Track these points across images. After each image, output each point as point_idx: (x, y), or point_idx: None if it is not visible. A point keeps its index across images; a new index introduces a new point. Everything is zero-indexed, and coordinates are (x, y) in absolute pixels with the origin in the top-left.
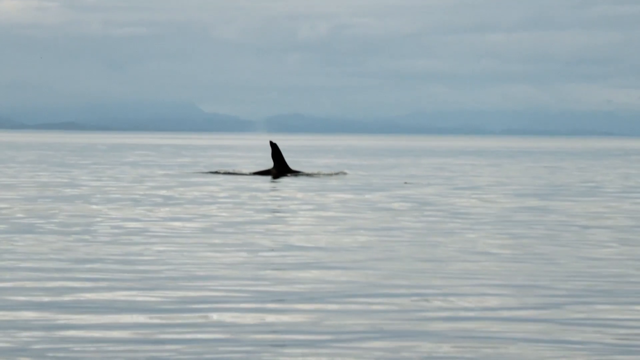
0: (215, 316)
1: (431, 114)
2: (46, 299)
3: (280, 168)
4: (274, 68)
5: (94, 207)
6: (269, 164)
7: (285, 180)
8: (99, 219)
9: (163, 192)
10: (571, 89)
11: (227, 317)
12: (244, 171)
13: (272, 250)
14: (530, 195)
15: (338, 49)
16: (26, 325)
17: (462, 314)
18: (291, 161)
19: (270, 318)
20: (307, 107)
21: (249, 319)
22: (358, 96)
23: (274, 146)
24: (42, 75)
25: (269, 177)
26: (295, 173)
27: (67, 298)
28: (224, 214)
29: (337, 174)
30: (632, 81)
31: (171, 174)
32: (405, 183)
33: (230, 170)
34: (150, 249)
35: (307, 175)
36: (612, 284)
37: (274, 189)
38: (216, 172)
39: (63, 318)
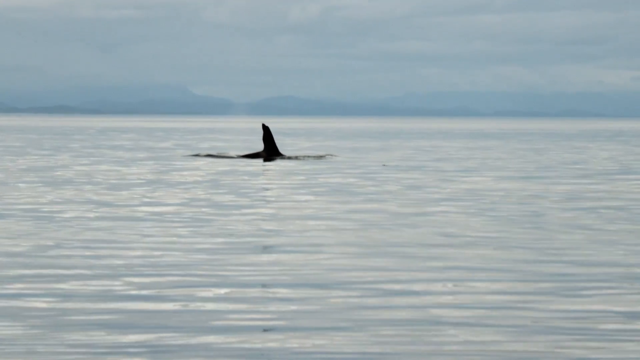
0: (183, 302)
1: (423, 96)
2: (20, 285)
3: (269, 151)
4: (265, 50)
5: (74, 191)
6: (256, 146)
7: (270, 164)
8: (76, 203)
9: (148, 176)
10: (563, 70)
11: (193, 302)
12: (232, 154)
13: (232, 234)
14: (504, 178)
15: (329, 31)
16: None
17: (421, 300)
18: (281, 144)
19: (236, 304)
20: (299, 89)
21: (213, 304)
22: (350, 78)
23: (266, 129)
24: (34, 59)
25: (258, 160)
26: (284, 156)
27: (41, 285)
28: (201, 197)
29: (324, 156)
30: (623, 62)
31: (159, 156)
32: (384, 165)
33: (215, 153)
34: (120, 232)
35: (295, 158)
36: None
37: (254, 173)
38: (207, 155)
39: (39, 302)
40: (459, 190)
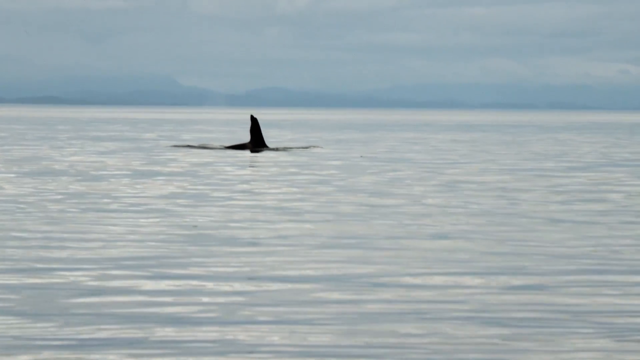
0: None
1: (411, 88)
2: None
3: (255, 142)
4: (253, 41)
5: (48, 181)
6: (241, 137)
7: (250, 155)
8: (46, 193)
9: (127, 167)
10: (550, 63)
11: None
12: (216, 145)
13: (195, 226)
14: (469, 173)
15: (317, 22)
16: None
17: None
18: (267, 136)
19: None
20: (287, 80)
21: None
22: (338, 70)
23: (254, 120)
24: (21, 49)
25: (244, 152)
26: (270, 148)
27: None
28: (174, 188)
29: (308, 148)
30: (610, 55)
31: (140, 147)
32: (362, 157)
33: (197, 144)
34: (82, 224)
35: (283, 149)
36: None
37: (233, 163)
38: (189, 146)
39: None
40: (433, 182)
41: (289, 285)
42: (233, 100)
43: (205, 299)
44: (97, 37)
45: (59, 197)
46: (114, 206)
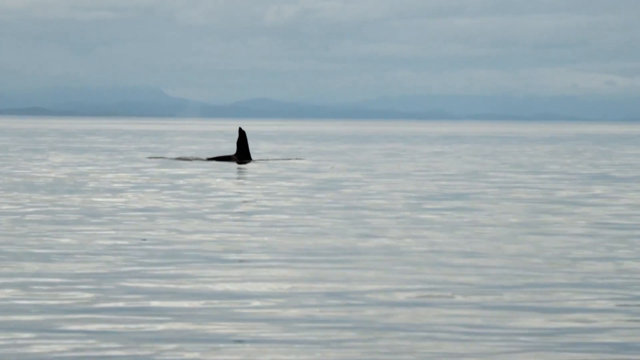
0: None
1: (398, 99)
2: None
3: (241, 155)
4: (240, 52)
5: (18, 194)
6: (222, 149)
7: (232, 166)
8: (16, 207)
9: (102, 178)
10: (537, 74)
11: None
12: (202, 157)
13: (144, 240)
14: (438, 184)
15: (304, 33)
16: None
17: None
18: (251, 147)
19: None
20: (274, 91)
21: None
22: (325, 81)
23: (241, 133)
24: (7, 60)
25: (230, 163)
26: (254, 160)
27: None
28: (138, 200)
29: (291, 160)
30: (597, 66)
31: (123, 158)
32: (332, 168)
33: (178, 156)
34: (38, 237)
35: (262, 161)
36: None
37: (209, 175)
38: (176, 159)
39: None
40: (389, 192)
41: (241, 302)
42: (220, 112)
43: (150, 317)
44: (84, 48)
45: (26, 209)
46: (74, 217)
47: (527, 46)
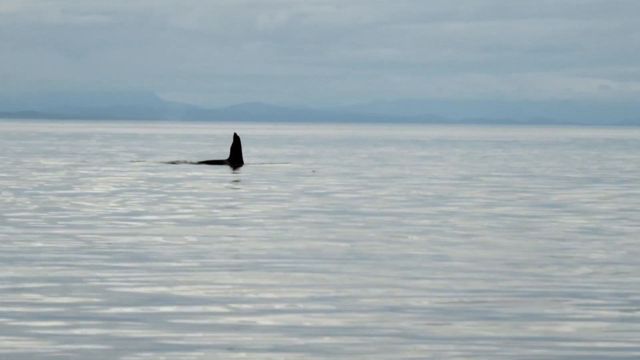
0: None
1: (391, 103)
2: None
3: (234, 159)
4: (234, 57)
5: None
6: (213, 153)
7: (221, 170)
8: None
9: (80, 182)
10: (530, 78)
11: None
12: (193, 160)
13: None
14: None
15: (298, 38)
16: None
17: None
18: (244, 151)
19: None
20: (267, 95)
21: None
22: (318, 85)
23: (236, 139)
24: (0, 64)
25: (224, 167)
26: (246, 164)
27: None
28: (112, 205)
29: (281, 164)
30: (590, 70)
31: (110, 162)
32: (313, 172)
33: (165, 160)
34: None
35: (252, 165)
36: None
37: (186, 179)
38: (170, 162)
39: None
40: (365, 196)
41: (191, 308)
42: (214, 116)
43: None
44: (77, 52)
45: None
46: (41, 222)
47: (520, 51)
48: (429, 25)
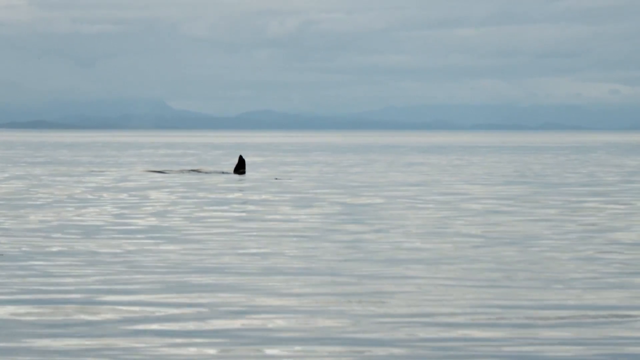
0: None
1: (401, 109)
2: None
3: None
4: (244, 64)
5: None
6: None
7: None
8: None
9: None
10: (541, 83)
11: None
12: (205, 169)
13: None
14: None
15: (308, 45)
16: None
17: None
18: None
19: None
20: (277, 103)
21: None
22: (328, 92)
23: (241, 160)
24: (12, 74)
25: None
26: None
27: None
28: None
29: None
30: (601, 75)
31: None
32: (276, 179)
33: (172, 169)
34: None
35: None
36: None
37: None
38: (186, 171)
39: None
40: (318, 205)
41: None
42: (224, 123)
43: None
44: (87, 61)
45: None
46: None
47: (531, 56)
48: (440, 31)
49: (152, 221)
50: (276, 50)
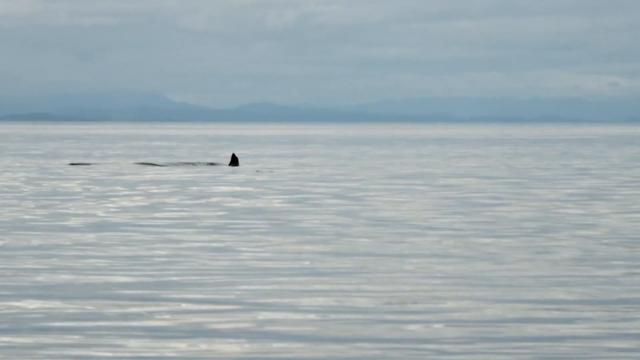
0: None
1: (400, 102)
2: None
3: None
4: (242, 57)
5: None
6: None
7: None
8: None
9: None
10: (539, 76)
11: None
12: (195, 161)
13: None
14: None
15: (306, 37)
16: None
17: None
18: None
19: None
20: (276, 95)
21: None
22: (326, 84)
23: (234, 158)
24: (11, 66)
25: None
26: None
27: None
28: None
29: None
30: (600, 67)
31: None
32: (257, 171)
33: (151, 161)
34: None
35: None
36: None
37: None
38: (181, 163)
39: None
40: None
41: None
42: (223, 116)
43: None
44: (86, 53)
45: None
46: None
47: (529, 48)
48: (438, 24)
49: (129, 217)
50: (275, 43)
